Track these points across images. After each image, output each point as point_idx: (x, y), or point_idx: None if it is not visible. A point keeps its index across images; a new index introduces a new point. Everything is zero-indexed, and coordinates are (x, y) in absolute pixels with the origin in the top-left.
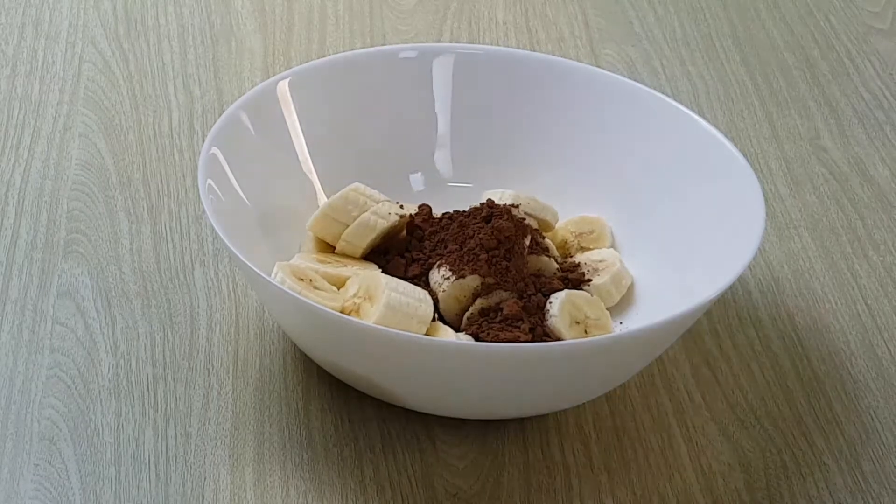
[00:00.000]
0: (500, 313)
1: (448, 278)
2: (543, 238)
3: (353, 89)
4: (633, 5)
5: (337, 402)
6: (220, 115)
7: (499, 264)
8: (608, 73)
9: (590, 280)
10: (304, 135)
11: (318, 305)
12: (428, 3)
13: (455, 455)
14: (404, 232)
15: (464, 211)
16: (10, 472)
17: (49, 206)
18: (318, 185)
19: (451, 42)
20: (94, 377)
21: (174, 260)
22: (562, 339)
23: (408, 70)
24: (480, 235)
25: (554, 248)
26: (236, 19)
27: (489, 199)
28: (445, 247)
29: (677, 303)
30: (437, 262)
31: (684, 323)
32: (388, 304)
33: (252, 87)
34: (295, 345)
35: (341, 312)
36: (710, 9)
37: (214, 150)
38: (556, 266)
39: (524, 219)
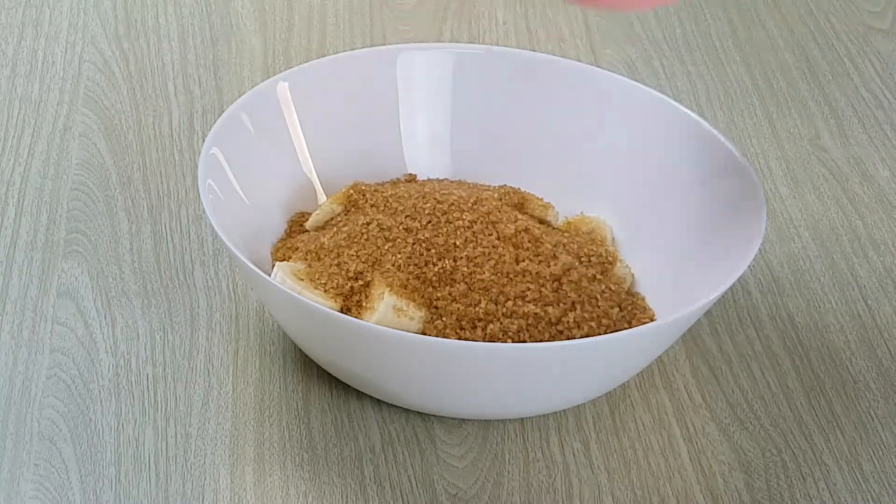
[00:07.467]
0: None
1: None
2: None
3: (354, 89)
4: None
5: (337, 402)
6: (220, 115)
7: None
8: (608, 72)
9: None
10: (304, 135)
11: (318, 305)
12: (428, 3)
13: (455, 455)
14: None
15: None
16: (10, 472)
17: (49, 206)
18: (318, 185)
19: (451, 42)
20: (94, 377)
21: (174, 260)
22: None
23: (407, 70)
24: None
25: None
26: (236, 19)
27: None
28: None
29: (677, 303)
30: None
31: (684, 323)
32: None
33: (252, 87)
34: (295, 345)
35: (341, 312)
36: (710, 9)
37: (214, 150)
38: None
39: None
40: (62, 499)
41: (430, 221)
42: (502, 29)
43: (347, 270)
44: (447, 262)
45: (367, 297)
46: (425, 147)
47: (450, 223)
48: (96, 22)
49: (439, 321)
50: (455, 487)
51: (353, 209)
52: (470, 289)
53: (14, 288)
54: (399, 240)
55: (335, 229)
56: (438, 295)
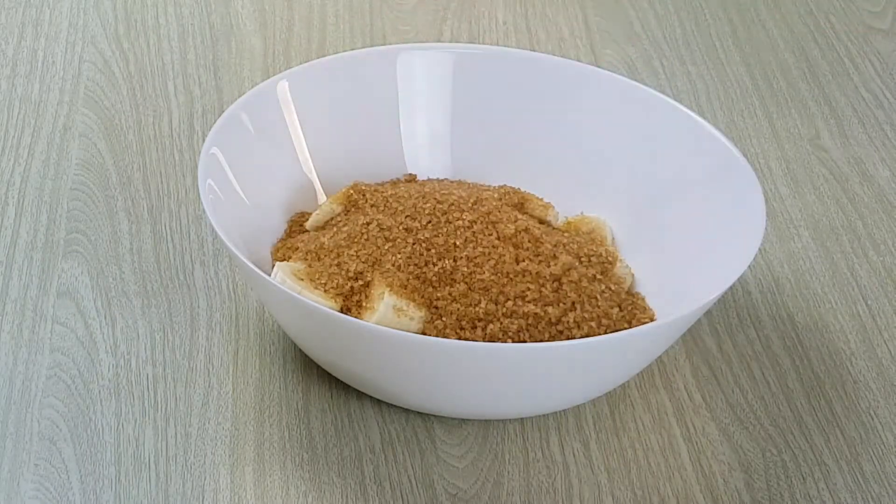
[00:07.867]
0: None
1: None
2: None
3: (353, 89)
4: (633, 5)
5: (337, 402)
6: (220, 115)
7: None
8: (608, 72)
9: None
10: (304, 135)
11: (318, 305)
12: (428, 3)
13: (455, 455)
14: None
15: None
16: (10, 472)
17: (49, 206)
18: (318, 185)
19: (451, 42)
20: (94, 377)
21: (174, 260)
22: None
23: (407, 70)
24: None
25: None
26: (236, 19)
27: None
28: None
29: (677, 303)
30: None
31: (684, 323)
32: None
33: (252, 87)
34: (295, 345)
35: (341, 312)
36: (710, 9)
37: (214, 150)
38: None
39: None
40: (62, 499)
41: (430, 221)
42: (502, 29)
43: (347, 270)
44: (447, 262)
45: (367, 297)
46: (425, 147)
47: (450, 223)
48: (96, 22)
49: (439, 321)
50: (455, 487)
51: (353, 209)
52: (470, 289)
53: (14, 288)
54: (399, 240)
55: (335, 229)
56: (438, 295)
